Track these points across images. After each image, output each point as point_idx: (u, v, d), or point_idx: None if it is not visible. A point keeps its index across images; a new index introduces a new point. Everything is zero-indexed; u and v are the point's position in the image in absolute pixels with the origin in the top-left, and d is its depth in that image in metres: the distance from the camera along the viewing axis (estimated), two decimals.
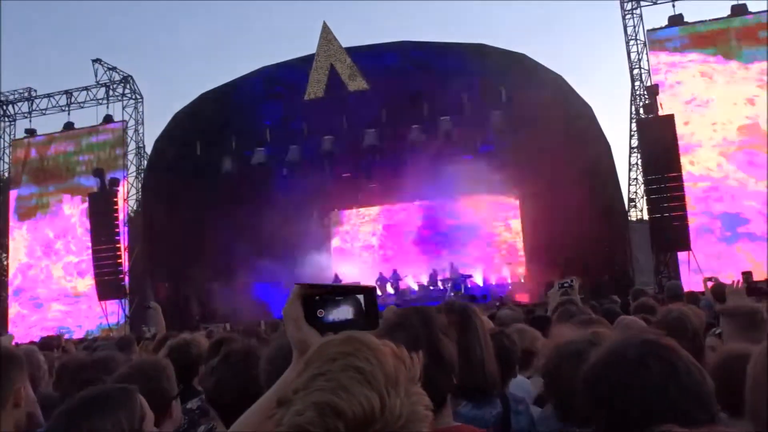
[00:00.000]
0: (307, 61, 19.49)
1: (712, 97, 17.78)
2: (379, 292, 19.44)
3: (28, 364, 4.01)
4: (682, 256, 17.11)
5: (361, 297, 1.23)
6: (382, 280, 19.81)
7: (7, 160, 24.52)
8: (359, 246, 23.10)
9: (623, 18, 19.14)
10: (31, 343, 13.00)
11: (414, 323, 1.80)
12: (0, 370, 2.26)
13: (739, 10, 18.10)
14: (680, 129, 17.04)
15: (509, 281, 20.26)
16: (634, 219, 18.84)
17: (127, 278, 20.97)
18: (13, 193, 23.94)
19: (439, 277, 19.68)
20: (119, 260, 20.73)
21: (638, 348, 1.41)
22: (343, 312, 1.22)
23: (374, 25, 39.12)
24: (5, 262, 24.62)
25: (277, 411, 0.92)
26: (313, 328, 1.21)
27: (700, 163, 17.52)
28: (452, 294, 17.97)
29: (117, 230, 20.80)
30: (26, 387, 2.34)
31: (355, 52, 19.25)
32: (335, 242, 23.38)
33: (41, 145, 23.88)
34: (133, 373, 2.67)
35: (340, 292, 1.24)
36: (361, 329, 1.13)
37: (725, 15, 18.32)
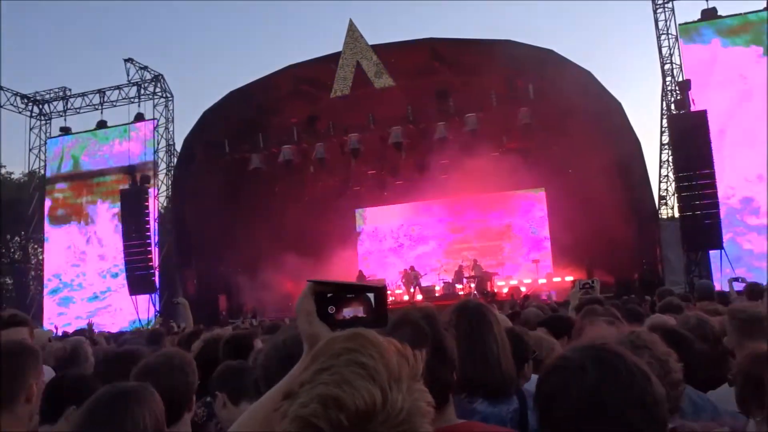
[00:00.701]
0: (333, 59, 19.53)
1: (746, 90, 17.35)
2: (404, 288, 19.46)
3: (75, 357, 4.10)
4: (714, 255, 16.77)
5: (371, 295, 1.26)
6: (407, 277, 19.77)
7: (43, 158, 25.14)
8: (385, 243, 23.13)
9: (654, 12, 18.77)
10: (64, 334, 13.32)
11: (418, 320, 1.81)
12: (16, 364, 2.24)
13: None
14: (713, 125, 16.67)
15: (535, 279, 20.03)
16: (664, 217, 18.50)
17: (157, 273, 21.36)
18: (49, 191, 24.56)
19: (465, 275, 19.56)
20: (150, 255, 21.11)
21: (581, 353, 1.38)
22: (354, 309, 1.25)
23: (400, 22, 39.04)
24: (41, 257, 25.27)
25: (283, 404, 0.95)
26: (324, 323, 1.24)
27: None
28: (476, 292, 17.85)
29: (148, 226, 21.18)
30: (39, 383, 2.30)
31: (381, 50, 19.22)
32: (361, 239, 23.45)
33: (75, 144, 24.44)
34: (161, 363, 2.66)
35: (352, 290, 1.27)
36: (371, 326, 1.15)
37: (761, 8, 17.84)
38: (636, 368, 1.32)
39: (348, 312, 1.25)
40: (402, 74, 18.85)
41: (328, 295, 1.26)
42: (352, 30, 19.37)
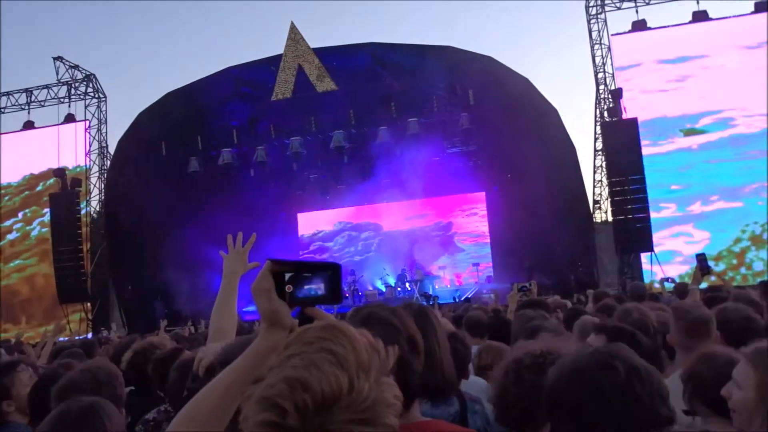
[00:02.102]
0: (274, 61, 19.29)
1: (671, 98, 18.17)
2: (346, 295, 19.35)
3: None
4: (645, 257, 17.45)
5: (328, 273, 1.29)
6: (348, 282, 19.65)
7: None
8: (328, 247, 22.97)
9: (588, 22, 19.39)
10: None
11: (388, 316, 1.78)
12: None
13: (700, 16, 18.51)
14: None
15: (476, 282, 20.32)
16: (598, 221, 19.05)
17: (89, 280, 20.52)
18: None
19: (407, 279, 19.64)
20: (82, 262, 20.27)
21: (601, 354, 1.47)
22: (311, 287, 1.28)
23: (342, 26, 38.99)
24: None
25: (251, 387, 0.96)
26: (283, 301, 1.27)
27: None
28: (419, 296, 17.94)
29: (79, 231, 20.33)
30: None
31: (323, 53, 19.12)
32: (303, 244, 23.21)
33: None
34: (87, 380, 2.62)
35: (309, 268, 1.29)
36: (328, 303, 1.27)
37: (687, 20, 18.72)
38: (648, 365, 1.46)
39: (306, 290, 1.28)
40: (344, 78, 18.78)
41: (286, 274, 1.27)
42: (294, 32, 19.20)
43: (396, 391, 0.99)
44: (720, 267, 16.06)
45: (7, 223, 22.47)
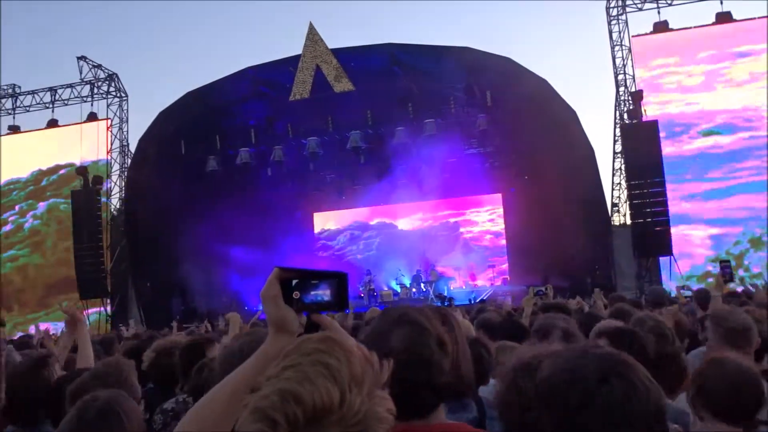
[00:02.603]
0: (292, 61, 19.33)
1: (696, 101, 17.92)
2: (361, 294, 19.37)
3: None
4: (664, 261, 17.22)
5: (334, 281, 1.33)
6: (364, 282, 19.66)
7: None
8: (343, 247, 22.99)
9: (608, 24, 19.18)
10: (9, 342, 12.76)
11: (417, 318, 1.79)
12: None
13: (723, 18, 18.21)
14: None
15: (492, 283, 20.21)
16: (617, 224, 18.84)
17: (109, 277, 20.77)
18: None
19: (422, 279, 19.59)
20: (102, 259, 20.52)
21: (598, 365, 1.37)
22: (318, 294, 1.32)
23: (360, 26, 39.00)
24: None
25: (248, 397, 0.99)
26: (290, 307, 1.30)
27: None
28: (434, 297, 17.88)
29: (100, 228, 20.58)
30: None
31: (341, 54, 19.11)
32: (319, 243, 23.26)
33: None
34: (92, 379, 2.64)
35: (316, 276, 1.33)
36: (334, 310, 1.33)
37: (710, 22, 18.43)
38: (649, 381, 1.36)
39: (312, 297, 1.31)
40: (362, 78, 18.75)
41: (294, 281, 1.31)
42: (312, 33, 19.23)
43: (389, 405, 1.00)
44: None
45: (5, 215, 23.07)
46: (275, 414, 0.93)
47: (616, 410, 1.30)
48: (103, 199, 21.43)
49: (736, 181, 17.23)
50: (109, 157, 22.54)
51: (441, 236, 22.02)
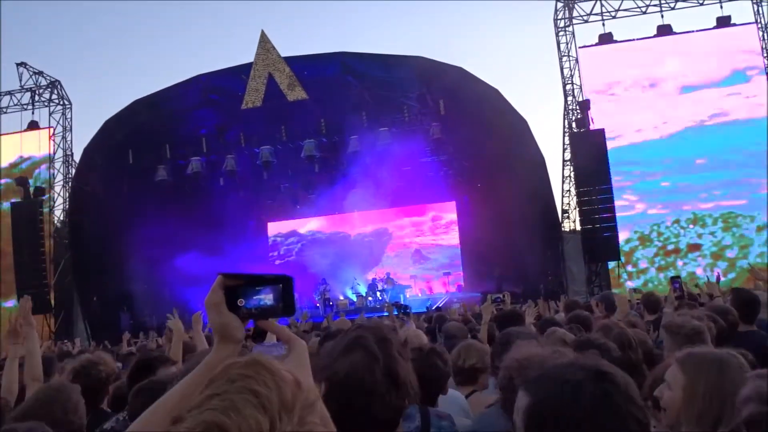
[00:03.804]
0: (244, 69, 19.10)
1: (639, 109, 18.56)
2: (317, 304, 19.20)
3: None
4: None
5: (279, 286, 1.29)
6: (319, 291, 19.50)
7: None
8: (298, 258, 22.75)
9: (556, 35, 19.65)
10: None
11: (370, 344, 1.78)
12: None
13: (664, 30, 18.91)
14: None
15: (447, 291, 20.33)
16: (567, 230, 19.23)
17: (52, 292, 19.95)
18: None
19: (378, 288, 19.56)
20: (44, 273, 19.71)
21: (576, 376, 1.34)
22: (263, 300, 1.28)
23: (312, 35, 38.90)
24: None
25: (172, 428, 0.92)
26: (235, 315, 1.26)
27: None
28: (390, 305, 17.85)
29: (42, 241, 19.78)
30: None
31: (293, 62, 19.00)
32: (273, 253, 22.96)
33: None
34: (35, 405, 2.48)
35: (260, 281, 1.29)
36: (280, 315, 1.28)
37: (652, 34, 19.11)
38: (632, 390, 1.32)
39: (257, 303, 1.28)
40: (315, 87, 18.69)
41: (237, 286, 1.28)
42: (264, 41, 19.06)
43: (319, 429, 0.95)
44: None
45: None
46: None
47: (592, 422, 1.27)
48: (46, 210, 20.61)
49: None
50: (52, 168, 21.71)
51: (396, 244, 22.06)
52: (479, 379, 3.75)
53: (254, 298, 1.28)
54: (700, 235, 17.62)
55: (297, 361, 1.22)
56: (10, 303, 20.01)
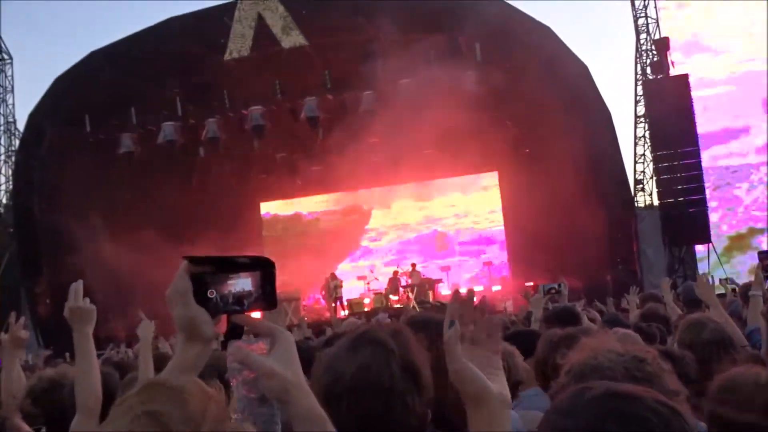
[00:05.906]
0: (227, 10, 19.10)
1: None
2: (322, 301, 19.31)
3: None
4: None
5: (258, 273, 1.32)
6: (328, 288, 19.56)
7: None
8: (299, 244, 22.79)
9: None
10: None
11: (382, 335, 1.80)
12: None
13: None
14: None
15: (488, 285, 20.30)
16: (641, 205, 19.09)
17: None
18: None
19: (401, 282, 19.55)
20: None
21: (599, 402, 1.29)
22: (238, 291, 1.31)
23: None
24: None
25: None
26: (204, 308, 1.30)
27: None
28: (415, 303, 17.85)
29: None
30: None
31: (290, 0, 18.95)
32: (268, 240, 23.05)
33: None
34: None
35: (234, 267, 1.32)
36: (260, 309, 1.33)
37: None
38: (669, 410, 1.24)
39: (231, 295, 1.31)
40: (317, 31, 18.68)
41: (207, 274, 1.30)
42: None
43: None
44: None
45: None
46: None
47: None
48: None
49: None
50: None
51: (423, 228, 21.99)
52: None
53: (227, 289, 1.31)
54: None
55: (283, 356, 1.26)
56: None
